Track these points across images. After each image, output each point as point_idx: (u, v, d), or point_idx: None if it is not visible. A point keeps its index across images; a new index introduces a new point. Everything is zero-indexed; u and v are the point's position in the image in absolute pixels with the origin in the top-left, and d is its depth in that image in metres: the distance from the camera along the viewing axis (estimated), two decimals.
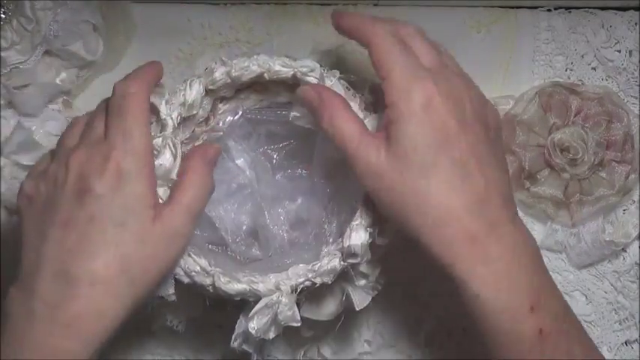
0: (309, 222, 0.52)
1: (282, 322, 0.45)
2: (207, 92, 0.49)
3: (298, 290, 0.45)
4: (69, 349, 0.40)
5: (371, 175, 0.42)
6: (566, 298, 0.58)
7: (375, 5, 0.62)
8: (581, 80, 0.61)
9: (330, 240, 0.49)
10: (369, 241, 0.46)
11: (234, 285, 0.45)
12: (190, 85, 0.48)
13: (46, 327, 0.40)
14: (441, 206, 0.41)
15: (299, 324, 0.46)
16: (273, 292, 0.45)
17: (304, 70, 0.48)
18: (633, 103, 0.61)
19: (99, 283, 0.41)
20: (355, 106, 0.48)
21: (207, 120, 0.51)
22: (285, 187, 0.53)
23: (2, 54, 0.56)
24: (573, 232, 0.58)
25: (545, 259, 0.58)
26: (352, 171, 0.43)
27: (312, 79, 0.48)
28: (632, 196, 0.60)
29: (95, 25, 0.58)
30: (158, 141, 0.46)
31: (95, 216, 0.41)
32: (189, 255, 0.46)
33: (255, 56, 0.48)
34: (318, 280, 0.45)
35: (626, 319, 0.59)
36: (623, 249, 0.60)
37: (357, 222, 0.46)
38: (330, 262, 0.46)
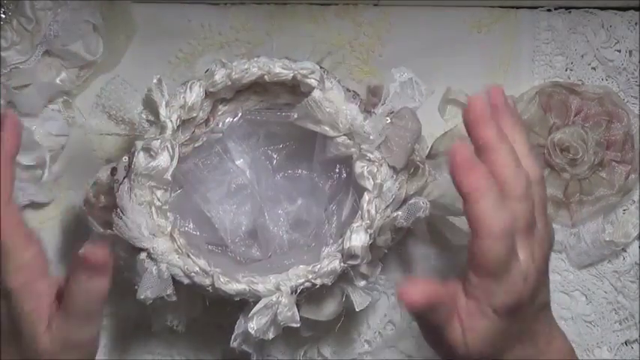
0: (308, 223, 0.52)
1: (282, 323, 0.45)
2: (207, 94, 0.49)
3: (298, 291, 0.46)
4: None
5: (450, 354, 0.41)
6: (566, 298, 0.59)
7: (375, 5, 0.62)
8: (581, 80, 0.61)
9: (331, 241, 0.49)
10: (369, 243, 0.46)
11: (233, 285, 0.45)
12: (191, 88, 0.48)
13: None
14: None
15: (298, 324, 0.46)
16: (273, 292, 0.45)
17: (304, 72, 0.48)
18: (633, 103, 0.61)
19: None
20: (355, 108, 0.47)
21: (207, 121, 0.51)
22: (285, 187, 0.53)
23: (2, 54, 0.56)
24: (573, 232, 0.58)
25: None
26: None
27: (312, 82, 0.48)
28: (632, 196, 0.59)
29: (95, 25, 0.58)
30: (156, 143, 0.46)
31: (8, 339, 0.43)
32: (189, 256, 0.46)
33: (255, 58, 0.48)
34: (318, 282, 0.45)
35: (626, 319, 0.59)
36: (623, 249, 0.60)
37: (357, 224, 0.46)
38: (330, 263, 0.46)
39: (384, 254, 0.49)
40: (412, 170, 0.49)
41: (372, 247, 0.46)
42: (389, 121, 0.48)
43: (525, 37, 0.62)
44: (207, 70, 0.49)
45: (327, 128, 0.48)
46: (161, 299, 0.47)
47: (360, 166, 0.47)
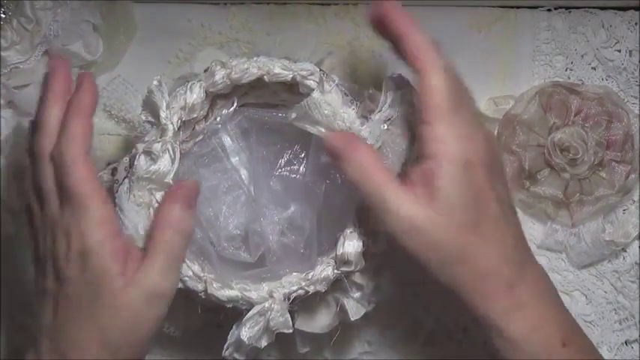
0: (302, 228, 0.51)
1: (274, 329, 0.45)
2: (207, 94, 0.49)
3: (291, 299, 0.45)
4: None
5: (413, 232, 0.42)
6: (566, 298, 0.59)
7: None
8: (581, 80, 0.61)
9: (325, 246, 0.49)
10: (363, 250, 0.45)
11: (226, 292, 0.45)
12: (191, 89, 0.47)
13: None
14: (486, 261, 0.42)
15: (290, 330, 0.46)
16: (266, 299, 0.45)
17: (304, 73, 0.47)
18: (633, 103, 0.61)
19: (85, 357, 0.42)
20: (352, 112, 0.47)
21: (206, 117, 0.51)
22: (279, 190, 0.53)
23: (2, 54, 0.56)
24: (573, 232, 0.58)
25: (545, 259, 0.59)
26: (386, 223, 0.42)
27: (312, 83, 0.47)
28: (632, 196, 0.60)
29: (95, 25, 0.58)
30: (157, 146, 0.46)
31: (69, 295, 0.43)
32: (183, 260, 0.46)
33: (255, 58, 0.48)
34: (311, 289, 0.45)
35: (626, 318, 0.59)
36: (623, 249, 0.60)
37: (350, 230, 0.46)
38: (324, 270, 0.45)
39: (380, 265, 0.49)
40: None
41: (365, 254, 0.46)
42: (385, 127, 0.47)
43: (525, 37, 0.62)
44: (207, 70, 0.49)
45: (323, 130, 0.47)
46: None
47: None
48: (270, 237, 0.50)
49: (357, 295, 0.48)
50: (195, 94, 0.47)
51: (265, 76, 0.48)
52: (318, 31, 0.62)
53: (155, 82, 0.48)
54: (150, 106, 0.48)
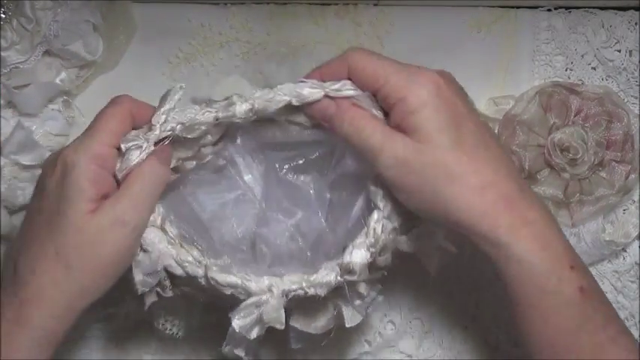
0: (308, 235, 0.51)
1: (267, 323, 0.45)
2: (220, 124, 0.47)
3: (289, 296, 0.45)
4: (19, 338, 0.43)
5: (399, 166, 0.43)
6: None
7: (375, 5, 0.62)
8: (581, 80, 0.61)
9: (332, 252, 0.48)
10: (369, 261, 0.45)
11: (226, 277, 0.45)
12: (203, 114, 0.46)
13: (6, 314, 0.43)
14: (476, 174, 0.42)
15: (282, 327, 0.45)
16: (264, 292, 0.45)
17: (336, 87, 0.46)
18: (633, 103, 0.61)
19: (37, 270, 0.43)
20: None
21: (217, 142, 0.50)
22: (287, 198, 0.52)
23: (2, 54, 0.56)
24: (573, 232, 0.58)
25: None
26: (376, 165, 0.44)
27: (349, 92, 0.46)
28: (632, 196, 0.60)
29: (95, 25, 0.58)
30: (129, 139, 0.45)
31: (42, 208, 0.44)
32: (182, 246, 0.46)
33: (279, 86, 0.47)
34: (311, 291, 0.45)
35: (626, 319, 0.59)
36: (623, 249, 0.60)
37: (360, 240, 0.45)
38: (327, 275, 0.45)
39: (383, 276, 0.48)
40: None
41: (371, 266, 0.46)
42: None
43: (525, 37, 0.62)
44: (227, 100, 0.47)
45: None
46: (158, 296, 0.47)
47: (375, 183, 0.46)
48: (278, 243, 0.50)
49: (357, 302, 0.47)
50: (203, 118, 0.46)
51: (293, 100, 0.46)
52: (318, 31, 0.62)
53: (177, 87, 0.47)
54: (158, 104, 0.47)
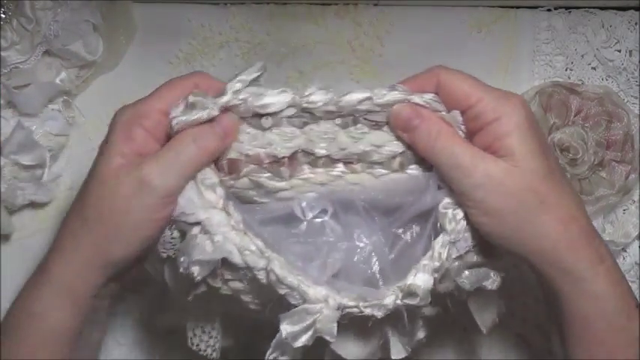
0: (373, 258, 0.48)
1: (318, 332, 0.42)
2: (301, 109, 0.45)
3: (343, 312, 0.43)
4: (40, 289, 0.45)
5: (492, 186, 0.42)
6: None
7: (375, 5, 0.62)
8: (581, 80, 0.61)
9: (394, 279, 0.45)
10: (431, 287, 0.44)
11: (286, 275, 0.43)
12: (279, 93, 0.45)
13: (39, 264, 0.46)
14: (564, 206, 0.42)
15: (333, 339, 0.43)
16: (320, 302, 0.43)
17: (426, 99, 0.45)
18: (633, 103, 0.61)
19: (63, 221, 0.45)
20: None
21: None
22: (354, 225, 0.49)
23: (2, 54, 0.56)
24: None
25: None
26: (463, 184, 0.43)
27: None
28: (632, 196, 0.60)
29: (95, 25, 0.58)
30: (198, 99, 0.43)
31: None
32: (245, 233, 0.44)
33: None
34: (367, 311, 0.43)
35: None
36: (623, 249, 0.60)
37: (425, 262, 0.44)
38: (387, 298, 0.43)
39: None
40: None
41: (432, 293, 0.44)
42: None
43: (525, 37, 0.62)
44: (307, 90, 0.45)
45: None
46: (196, 323, 0.47)
47: (445, 206, 0.45)
48: (353, 258, 0.47)
49: (405, 336, 0.46)
50: (279, 97, 0.44)
51: (375, 97, 0.45)
52: (318, 31, 0.62)
53: (260, 64, 0.46)
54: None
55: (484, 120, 0.43)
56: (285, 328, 0.42)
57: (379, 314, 0.43)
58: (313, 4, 0.62)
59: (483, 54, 0.62)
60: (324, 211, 0.47)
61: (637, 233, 0.59)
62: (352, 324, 0.45)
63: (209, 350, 0.49)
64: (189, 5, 0.62)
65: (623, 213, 0.60)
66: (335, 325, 0.43)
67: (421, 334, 0.47)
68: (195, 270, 0.43)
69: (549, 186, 0.42)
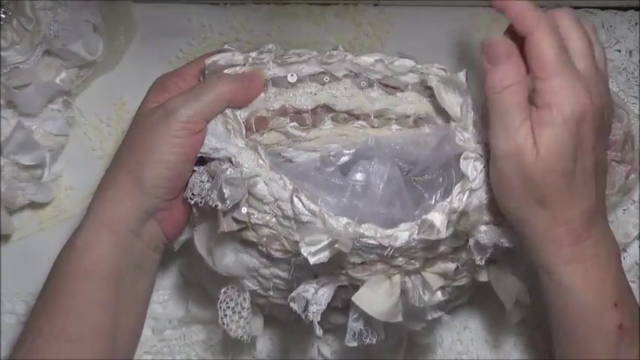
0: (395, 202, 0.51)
1: (337, 245, 0.44)
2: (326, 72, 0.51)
3: (362, 241, 0.45)
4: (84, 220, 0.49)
5: (514, 153, 0.43)
6: None
7: (375, 5, 0.62)
8: None
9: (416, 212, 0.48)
10: (450, 231, 0.45)
11: (310, 203, 0.45)
12: (309, 59, 0.50)
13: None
14: (564, 211, 0.44)
15: (348, 250, 0.44)
16: (340, 227, 0.45)
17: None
18: (633, 103, 0.61)
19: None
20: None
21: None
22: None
23: (2, 54, 0.56)
24: None
25: None
26: (493, 133, 0.44)
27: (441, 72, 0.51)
28: (632, 196, 0.60)
29: (95, 25, 0.58)
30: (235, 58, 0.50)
31: None
32: (272, 168, 0.46)
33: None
34: (384, 242, 0.45)
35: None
36: (623, 249, 0.60)
37: (443, 204, 0.45)
38: (404, 232, 0.45)
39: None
40: None
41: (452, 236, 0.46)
42: None
43: None
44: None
45: (456, 108, 0.49)
46: (228, 303, 0.49)
47: (467, 156, 0.47)
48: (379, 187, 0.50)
49: (425, 295, 0.47)
50: (308, 65, 0.51)
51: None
52: (318, 31, 0.62)
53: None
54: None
55: (539, 100, 0.43)
56: (305, 247, 0.44)
57: (395, 244, 0.45)
58: (313, 4, 0.62)
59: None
60: (347, 161, 0.51)
61: (637, 233, 0.59)
62: (375, 279, 0.47)
63: (239, 331, 0.50)
64: (189, 5, 0.62)
65: (623, 213, 0.60)
66: (351, 244, 0.44)
67: (440, 295, 0.48)
68: (226, 191, 0.45)
69: (558, 187, 0.43)
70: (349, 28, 0.62)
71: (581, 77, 0.43)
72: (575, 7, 0.62)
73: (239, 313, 0.50)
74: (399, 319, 0.47)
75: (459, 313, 0.59)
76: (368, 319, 0.48)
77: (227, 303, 0.50)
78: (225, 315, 0.50)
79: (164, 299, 0.59)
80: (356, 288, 0.47)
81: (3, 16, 0.56)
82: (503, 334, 0.59)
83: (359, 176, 0.49)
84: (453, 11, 0.62)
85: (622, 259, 0.59)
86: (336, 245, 0.44)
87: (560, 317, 0.46)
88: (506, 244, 0.47)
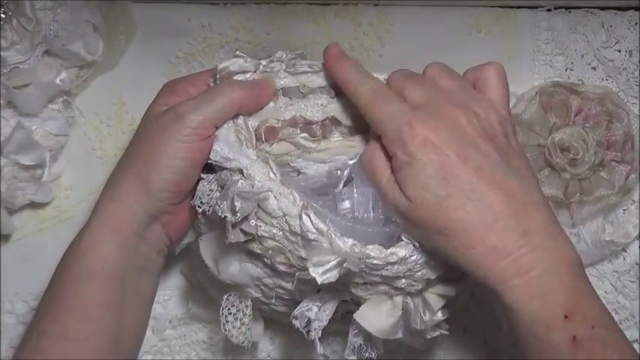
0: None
1: (345, 264, 0.44)
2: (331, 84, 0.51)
3: (367, 263, 0.45)
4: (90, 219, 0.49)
5: (395, 211, 0.45)
6: None
7: (375, 5, 0.62)
8: (581, 80, 0.61)
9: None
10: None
11: (318, 222, 0.45)
12: (319, 71, 0.51)
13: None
14: (464, 231, 0.42)
15: (357, 269, 0.45)
16: (347, 247, 0.45)
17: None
18: (633, 103, 0.61)
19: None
20: None
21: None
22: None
23: (2, 54, 0.56)
24: (573, 232, 0.58)
25: None
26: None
27: None
28: (632, 196, 0.60)
29: (95, 25, 0.58)
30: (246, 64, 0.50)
31: None
32: (282, 183, 0.46)
33: None
34: (390, 258, 0.45)
35: (627, 319, 0.59)
36: (623, 249, 0.60)
37: None
38: (402, 249, 0.45)
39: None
40: None
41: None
42: None
43: (525, 37, 0.62)
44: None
45: None
46: (229, 310, 0.49)
47: None
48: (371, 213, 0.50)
49: (425, 316, 0.47)
50: (317, 76, 0.51)
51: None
52: (318, 31, 0.62)
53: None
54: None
55: (389, 151, 0.45)
56: (313, 268, 0.44)
57: (401, 267, 0.45)
58: (313, 4, 0.62)
59: (483, 54, 0.61)
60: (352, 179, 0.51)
61: (637, 233, 0.59)
62: (377, 298, 0.47)
63: (241, 337, 0.50)
64: (189, 5, 0.62)
65: (623, 213, 0.60)
66: (359, 263, 0.44)
67: (441, 315, 0.48)
68: (238, 204, 0.45)
69: (444, 214, 0.42)
70: (349, 28, 0.62)
71: (410, 109, 0.44)
72: (575, 8, 0.62)
73: (241, 319, 0.50)
74: (399, 335, 0.48)
75: (459, 315, 0.59)
76: (368, 335, 0.48)
77: (229, 309, 0.50)
78: (227, 321, 0.50)
79: (164, 299, 0.59)
80: (357, 303, 0.48)
81: (3, 16, 0.56)
82: (503, 335, 0.59)
83: (347, 204, 0.49)
84: (454, 11, 0.62)
85: (622, 259, 0.60)
86: (345, 264, 0.44)
87: (514, 336, 0.43)
88: None
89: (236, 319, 0.50)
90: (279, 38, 0.62)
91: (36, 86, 0.57)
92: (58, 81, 0.58)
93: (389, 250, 0.45)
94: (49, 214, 0.60)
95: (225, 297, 0.50)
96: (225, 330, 0.50)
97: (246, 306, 0.50)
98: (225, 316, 0.50)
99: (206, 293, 0.57)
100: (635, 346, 0.59)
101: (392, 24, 0.62)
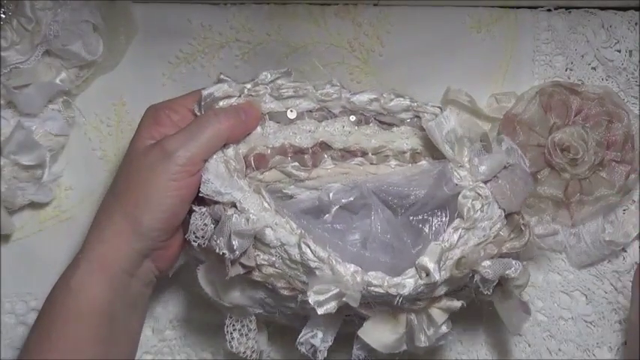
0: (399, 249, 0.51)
1: (344, 299, 0.44)
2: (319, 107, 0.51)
3: (369, 290, 0.45)
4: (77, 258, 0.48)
5: None
6: (566, 298, 0.59)
7: (375, 5, 0.62)
8: (581, 80, 0.61)
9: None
10: (445, 272, 0.45)
11: (318, 250, 0.45)
12: (305, 87, 0.50)
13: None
14: None
15: (356, 304, 0.44)
16: (348, 275, 0.45)
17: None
18: (633, 103, 0.61)
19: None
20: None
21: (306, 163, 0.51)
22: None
23: (2, 54, 0.56)
24: (573, 232, 0.58)
25: (546, 259, 0.59)
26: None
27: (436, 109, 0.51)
28: (632, 196, 0.60)
29: (95, 25, 0.58)
30: (230, 89, 0.49)
31: None
32: (277, 212, 0.46)
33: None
34: (391, 291, 0.45)
35: (627, 319, 0.59)
36: (623, 249, 0.60)
37: (435, 244, 0.45)
38: (407, 278, 0.45)
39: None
40: (514, 229, 0.49)
41: (449, 281, 0.46)
42: (506, 165, 0.49)
43: (525, 37, 0.62)
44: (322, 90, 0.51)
45: (448, 149, 0.49)
46: (234, 325, 0.49)
47: (465, 195, 0.47)
48: (380, 236, 0.50)
49: (429, 331, 0.47)
50: (302, 92, 0.50)
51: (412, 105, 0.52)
52: (318, 31, 0.62)
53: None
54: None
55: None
56: (313, 297, 0.44)
57: (402, 293, 0.45)
58: (313, 4, 0.62)
59: (483, 54, 0.62)
60: (347, 202, 0.50)
61: (637, 233, 0.59)
62: (380, 315, 0.47)
63: (248, 352, 0.50)
64: (189, 5, 0.62)
65: (623, 213, 0.60)
66: (359, 295, 0.44)
67: (445, 328, 0.48)
68: (235, 242, 0.44)
69: None
70: (349, 28, 0.62)
71: None
72: (575, 8, 0.62)
73: (246, 335, 0.50)
74: (404, 348, 0.48)
75: (459, 314, 0.59)
76: (371, 349, 0.48)
77: (233, 326, 0.50)
78: (233, 338, 0.50)
79: (164, 299, 0.59)
80: (361, 317, 0.47)
81: (3, 16, 0.56)
82: (503, 334, 0.59)
83: (357, 236, 0.49)
84: (453, 11, 0.62)
85: (622, 259, 0.60)
86: (344, 299, 0.44)
87: None
88: (513, 275, 0.47)
89: (241, 335, 0.50)
90: (279, 38, 0.62)
91: (36, 86, 0.57)
92: (58, 81, 0.58)
93: (393, 280, 0.45)
94: (49, 214, 0.60)
95: (228, 315, 0.50)
96: (231, 347, 0.50)
97: (250, 321, 0.50)
98: (230, 334, 0.50)
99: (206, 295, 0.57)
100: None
101: (392, 24, 0.62)
